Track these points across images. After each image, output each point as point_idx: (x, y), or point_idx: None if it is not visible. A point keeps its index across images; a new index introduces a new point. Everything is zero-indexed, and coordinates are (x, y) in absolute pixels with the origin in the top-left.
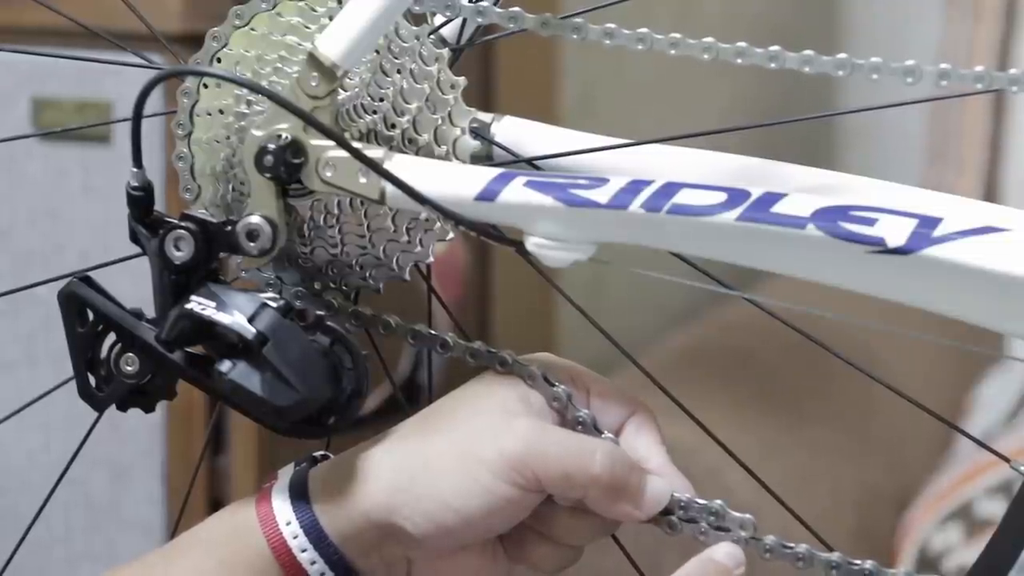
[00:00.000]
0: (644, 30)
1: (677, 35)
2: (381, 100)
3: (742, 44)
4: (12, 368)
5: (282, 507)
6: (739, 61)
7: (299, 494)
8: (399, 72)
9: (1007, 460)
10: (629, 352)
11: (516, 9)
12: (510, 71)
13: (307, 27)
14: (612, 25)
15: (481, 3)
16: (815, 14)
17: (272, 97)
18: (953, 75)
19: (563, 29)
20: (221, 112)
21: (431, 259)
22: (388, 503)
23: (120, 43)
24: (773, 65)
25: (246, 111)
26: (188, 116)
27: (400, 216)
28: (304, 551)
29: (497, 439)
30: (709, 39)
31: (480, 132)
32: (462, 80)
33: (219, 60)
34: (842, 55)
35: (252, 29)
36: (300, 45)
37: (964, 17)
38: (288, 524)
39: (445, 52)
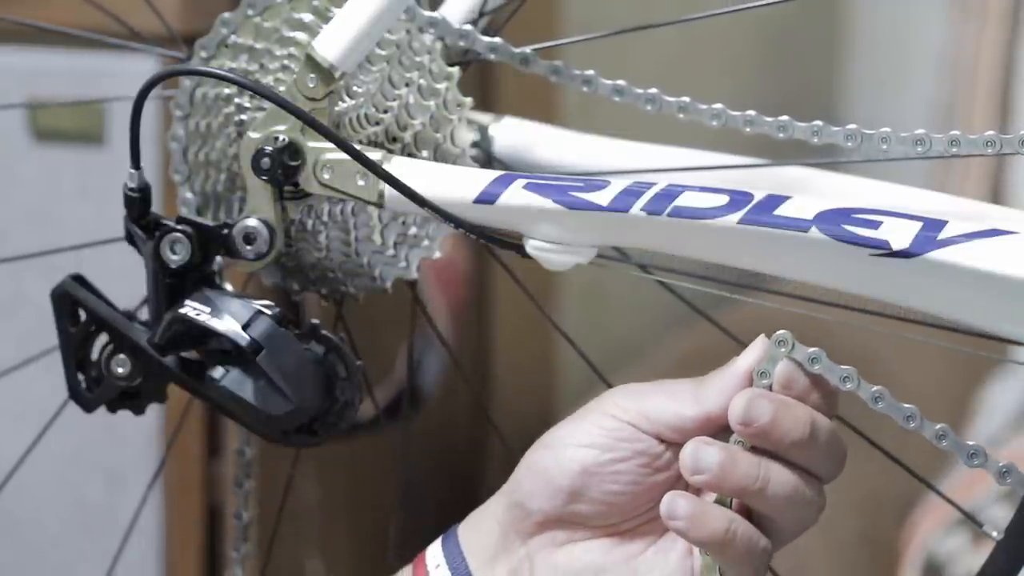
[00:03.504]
0: (654, 90)
1: (687, 99)
2: (385, 112)
3: (751, 112)
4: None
5: (434, 552)
6: (748, 130)
7: (449, 536)
8: (407, 85)
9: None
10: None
11: (529, 51)
12: (511, 70)
13: (319, 27)
14: (623, 82)
15: (495, 39)
16: (817, 15)
17: (272, 98)
18: (963, 141)
19: (573, 80)
20: (223, 100)
21: (415, 276)
22: (507, 487)
23: (127, 42)
24: (782, 135)
25: (247, 105)
26: (188, 98)
27: (388, 230)
28: (437, 566)
29: (599, 402)
30: (719, 105)
31: (482, 145)
32: (469, 100)
33: (226, 47)
34: (852, 126)
35: (264, 21)
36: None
37: (967, 19)
38: (437, 567)
39: (456, 71)
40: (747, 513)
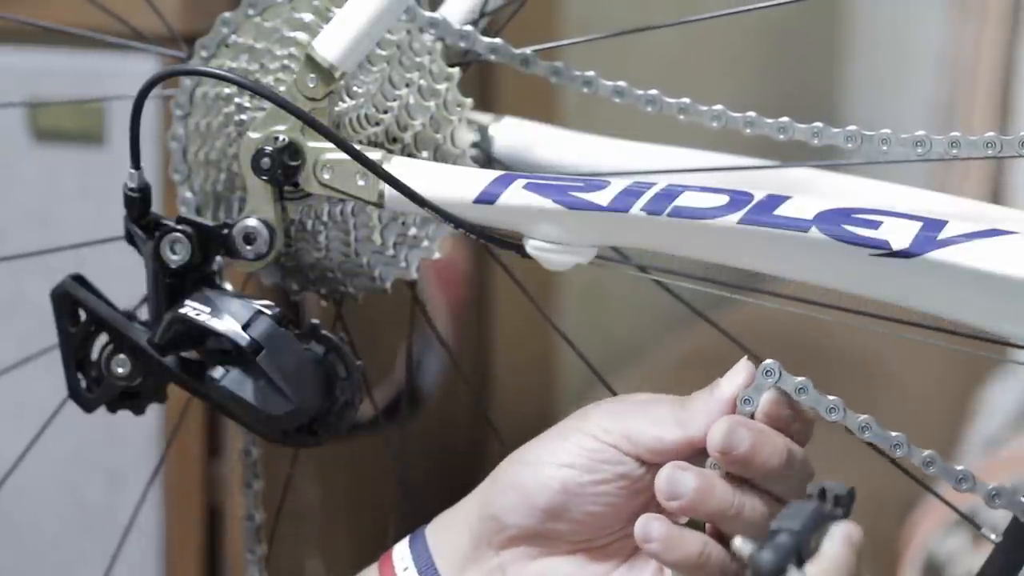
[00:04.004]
0: (654, 91)
1: (687, 100)
2: (385, 112)
3: (751, 114)
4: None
5: (401, 553)
6: (748, 131)
7: (417, 538)
8: (407, 86)
9: (966, 517)
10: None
11: (529, 52)
12: (511, 70)
13: (320, 27)
14: (623, 83)
15: (495, 40)
16: (817, 16)
17: (272, 98)
18: (963, 143)
19: (574, 81)
20: (223, 99)
21: (415, 276)
22: (480, 496)
23: (128, 42)
24: (782, 137)
25: (247, 104)
26: (188, 98)
27: (388, 231)
28: (405, 569)
29: (580, 420)
30: (719, 107)
31: (482, 145)
32: (469, 101)
33: (227, 46)
34: (852, 127)
35: (265, 20)
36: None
37: (967, 19)
38: (406, 570)
39: (456, 72)
40: (718, 535)
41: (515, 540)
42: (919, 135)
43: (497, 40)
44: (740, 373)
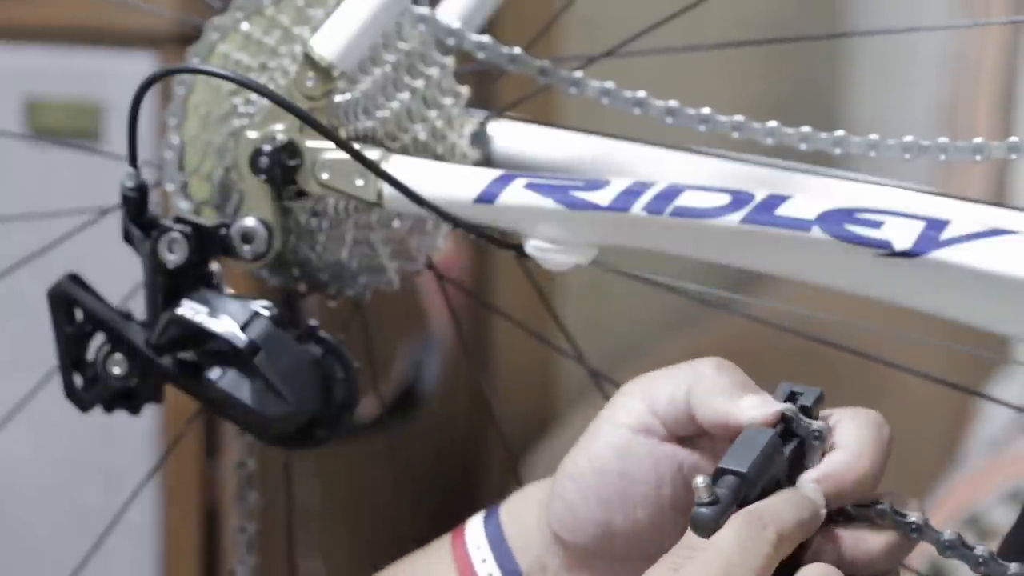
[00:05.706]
0: (674, 103)
1: (675, 103)
2: (406, 131)
3: (739, 117)
4: (1, 371)
5: (475, 532)
6: (736, 135)
7: (490, 518)
8: (412, 92)
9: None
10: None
11: (547, 63)
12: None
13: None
14: (643, 94)
15: (514, 50)
16: (820, 16)
17: (271, 97)
18: (951, 149)
19: (592, 92)
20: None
21: (396, 285)
22: (547, 500)
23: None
24: (770, 141)
25: (254, 98)
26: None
27: (384, 244)
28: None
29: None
30: (707, 110)
31: (481, 145)
32: (473, 119)
33: (235, 33)
34: (840, 132)
35: (279, 12)
36: None
37: (971, 19)
38: (484, 562)
39: (465, 90)
40: None
41: (578, 557)
42: (907, 140)
43: (516, 50)
44: (769, 407)
